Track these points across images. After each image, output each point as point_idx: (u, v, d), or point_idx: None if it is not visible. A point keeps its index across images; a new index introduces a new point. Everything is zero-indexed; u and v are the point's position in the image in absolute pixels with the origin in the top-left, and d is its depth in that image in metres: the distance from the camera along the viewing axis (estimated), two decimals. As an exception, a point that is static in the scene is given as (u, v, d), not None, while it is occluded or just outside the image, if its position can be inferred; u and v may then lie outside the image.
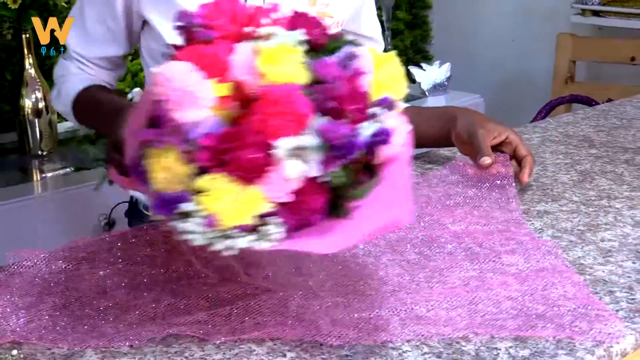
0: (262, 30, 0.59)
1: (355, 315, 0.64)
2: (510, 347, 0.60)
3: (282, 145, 0.55)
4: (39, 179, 1.49)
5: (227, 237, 0.56)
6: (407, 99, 0.79)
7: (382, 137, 0.58)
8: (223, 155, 0.56)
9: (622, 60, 2.03)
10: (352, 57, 0.59)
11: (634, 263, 0.74)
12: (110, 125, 0.81)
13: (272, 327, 0.62)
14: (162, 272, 0.72)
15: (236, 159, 0.55)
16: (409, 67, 2.12)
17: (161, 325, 0.63)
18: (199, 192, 0.56)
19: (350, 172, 0.57)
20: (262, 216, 0.56)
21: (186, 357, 0.59)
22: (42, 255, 0.72)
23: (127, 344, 0.61)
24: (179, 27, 0.60)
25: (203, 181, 0.56)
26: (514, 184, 0.89)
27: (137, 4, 0.90)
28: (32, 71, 1.59)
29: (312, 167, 0.56)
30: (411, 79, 2.03)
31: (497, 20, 2.43)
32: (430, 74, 2.03)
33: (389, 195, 0.59)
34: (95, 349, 0.60)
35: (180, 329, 0.62)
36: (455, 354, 0.59)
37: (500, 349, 0.59)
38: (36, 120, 1.59)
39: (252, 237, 0.56)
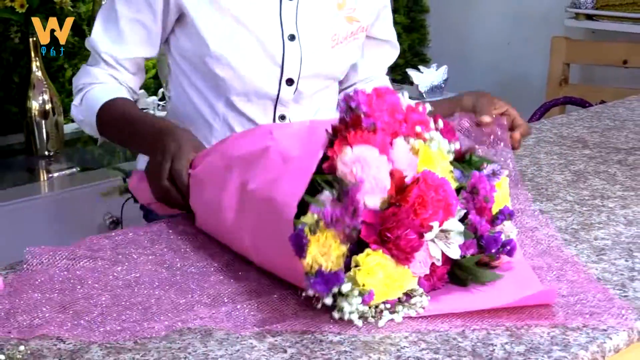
0: (425, 134, 0.68)
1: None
2: (506, 343, 0.61)
3: (435, 227, 0.63)
4: (45, 179, 1.51)
5: (381, 310, 0.62)
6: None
7: (509, 247, 0.68)
8: (384, 234, 0.62)
9: (615, 63, 2.05)
10: (495, 174, 0.70)
11: (626, 261, 0.75)
12: (156, 147, 0.81)
13: (273, 323, 0.63)
14: (165, 270, 0.73)
15: (397, 239, 0.61)
16: (407, 70, 2.14)
17: (164, 321, 0.64)
18: (354, 266, 0.62)
19: (478, 260, 0.67)
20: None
21: (189, 353, 0.60)
22: (49, 253, 0.74)
23: (131, 340, 0.62)
24: (346, 109, 0.66)
25: (359, 257, 0.62)
26: (509, 146, 0.90)
27: None
28: (39, 74, 1.61)
29: (454, 250, 0.65)
30: (409, 81, 2.05)
31: (493, 24, 2.45)
32: (427, 77, 2.05)
33: (515, 275, 0.69)
34: (100, 345, 0.61)
35: (183, 325, 0.63)
36: (452, 350, 0.60)
37: (496, 345, 0.61)
38: (43, 121, 1.61)
39: (401, 309, 0.63)
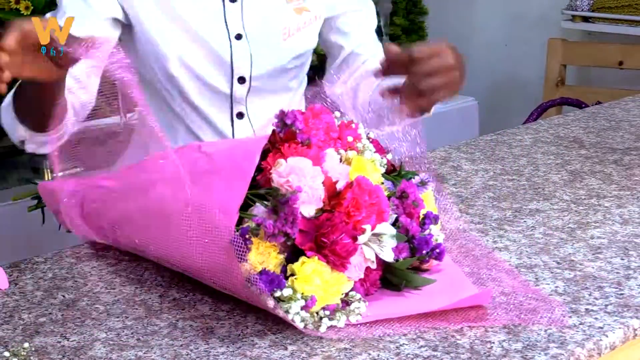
0: (358, 144, 0.69)
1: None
2: (504, 340, 0.62)
3: (368, 230, 0.64)
4: (49, 178, 1.51)
5: (320, 317, 0.63)
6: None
7: (438, 251, 0.70)
8: (320, 239, 0.63)
9: (611, 65, 2.06)
10: (424, 184, 0.72)
11: (622, 259, 0.76)
12: None
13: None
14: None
15: (332, 244, 0.62)
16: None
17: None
18: (290, 275, 0.63)
19: (411, 262, 0.68)
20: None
21: (191, 350, 0.61)
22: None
23: (134, 337, 0.62)
24: (279, 125, 0.67)
25: (295, 265, 0.62)
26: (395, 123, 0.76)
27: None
28: (43, 75, 1.61)
29: (387, 253, 0.65)
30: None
31: (491, 26, 2.46)
32: (425, 78, 2.05)
33: (447, 279, 0.70)
34: (104, 342, 0.62)
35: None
36: (451, 347, 0.61)
37: (494, 342, 0.61)
38: (47, 121, 1.61)
39: (342, 315, 0.63)
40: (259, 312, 0.66)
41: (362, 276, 0.65)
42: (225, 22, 0.92)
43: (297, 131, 0.66)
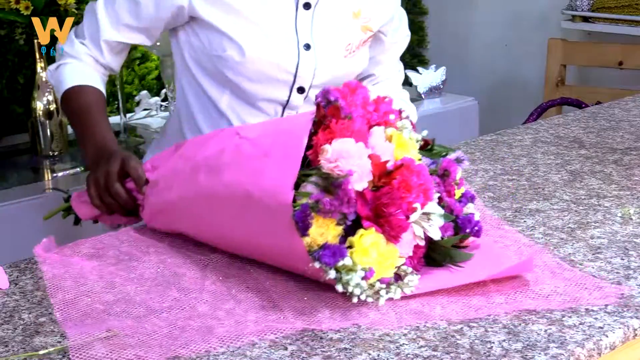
0: (398, 122, 0.72)
1: (354, 308, 0.66)
2: (504, 340, 0.62)
3: (419, 209, 0.67)
4: (49, 178, 1.52)
5: (377, 290, 0.65)
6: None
7: (477, 228, 0.74)
8: (380, 209, 0.65)
9: (611, 65, 2.06)
10: (459, 161, 0.75)
11: (622, 259, 0.76)
12: (101, 156, 0.83)
13: (273, 321, 0.64)
14: (167, 268, 0.73)
15: (390, 216, 0.65)
16: (406, 71, 2.14)
17: (167, 319, 0.65)
18: (348, 246, 0.65)
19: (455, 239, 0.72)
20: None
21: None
22: (52, 252, 0.74)
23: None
24: (323, 102, 0.69)
25: (354, 238, 0.65)
26: None
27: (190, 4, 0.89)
28: (43, 75, 1.62)
29: (434, 231, 0.69)
30: (408, 82, 2.06)
31: (491, 26, 2.46)
32: (426, 78, 2.06)
33: (486, 252, 0.74)
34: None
35: (185, 323, 0.64)
36: (451, 347, 0.61)
37: (493, 342, 0.61)
38: (47, 122, 1.62)
39: (397, 287, 0.66)
40: (258, 312, 0.66)
41: (410, 253, 0.68)
42: (296, 29, 0.91)
43: (341, 107, 0.68)
